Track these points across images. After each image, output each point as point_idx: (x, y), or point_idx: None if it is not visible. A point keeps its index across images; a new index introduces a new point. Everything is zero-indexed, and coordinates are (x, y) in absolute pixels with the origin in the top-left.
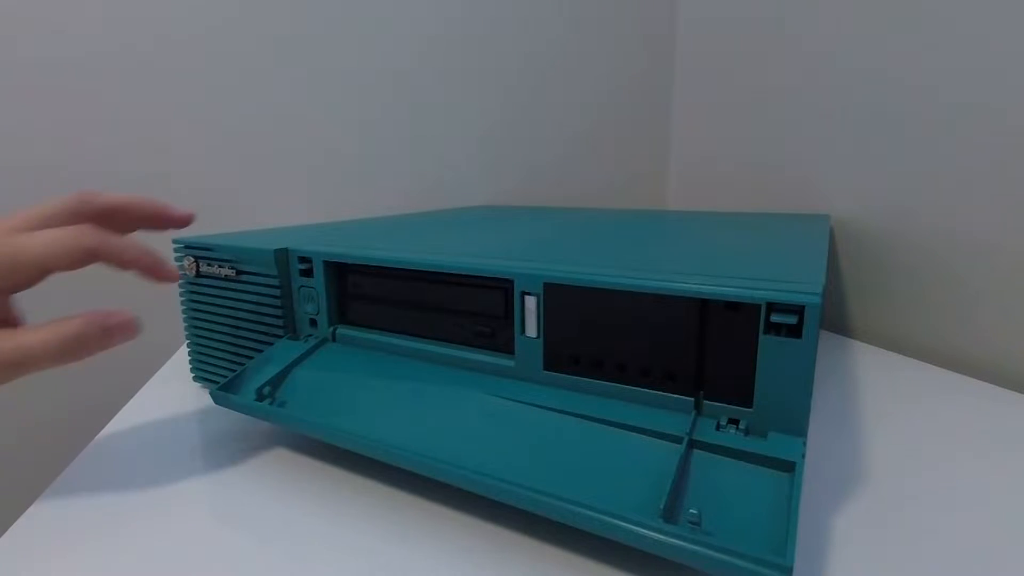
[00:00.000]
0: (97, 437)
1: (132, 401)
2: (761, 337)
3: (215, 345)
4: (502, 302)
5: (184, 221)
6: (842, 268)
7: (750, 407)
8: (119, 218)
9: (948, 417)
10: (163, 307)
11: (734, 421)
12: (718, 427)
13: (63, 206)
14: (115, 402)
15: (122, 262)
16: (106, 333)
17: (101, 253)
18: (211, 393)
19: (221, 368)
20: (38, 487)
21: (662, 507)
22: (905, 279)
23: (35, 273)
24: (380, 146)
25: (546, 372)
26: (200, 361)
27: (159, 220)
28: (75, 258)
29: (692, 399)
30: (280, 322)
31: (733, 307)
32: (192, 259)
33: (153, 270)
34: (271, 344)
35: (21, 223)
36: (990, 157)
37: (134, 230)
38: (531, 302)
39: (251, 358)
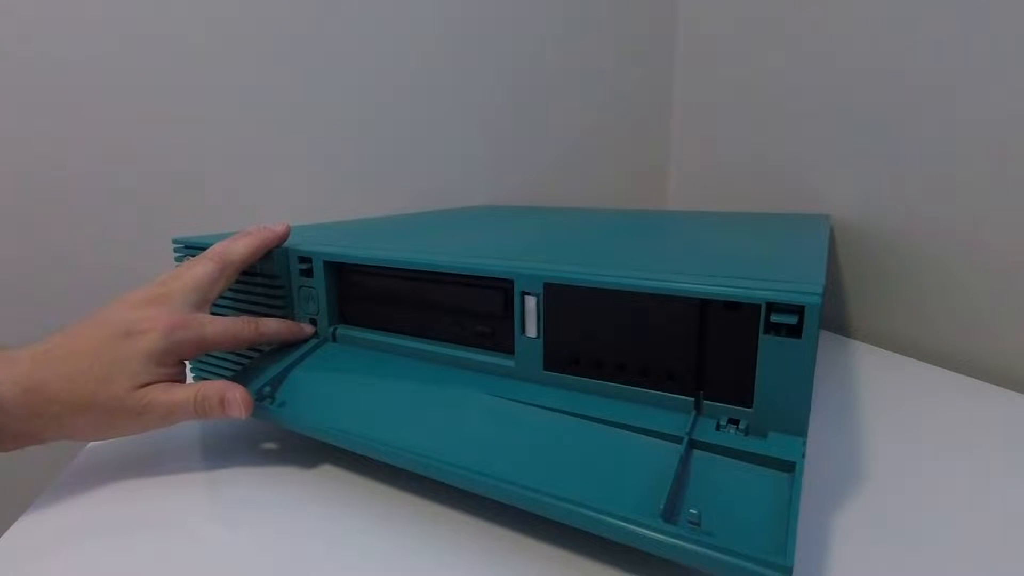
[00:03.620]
0: None
1: None
2: (761, 337)
3: None
4: (502, 302)
5: (287, 236)
6: (842, 268)
7: (750, 407)
8: (252, 261)
9: (948, 417)
10: None
11: (734, 421)
12: (718, 427)
13: (214, 274)
14: None
15: (274, 342)
16: (220, 402)
17: (257, 342)
18: None
19: (221, 368)
20: (37, 488)
21: (662, 507)
22: (905, 279)
23: (209, 351)
24: (381, 146)
25: (546, 372)
26: (200, 361)
27: (273, 247)
28: (242, 347)
29: (692, 399)
30: None
31: (733, 307)
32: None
33: (297, 337)
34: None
35: (195, 299)
36: (990, 157)
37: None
38: (531, 302)
39: (251, 358)
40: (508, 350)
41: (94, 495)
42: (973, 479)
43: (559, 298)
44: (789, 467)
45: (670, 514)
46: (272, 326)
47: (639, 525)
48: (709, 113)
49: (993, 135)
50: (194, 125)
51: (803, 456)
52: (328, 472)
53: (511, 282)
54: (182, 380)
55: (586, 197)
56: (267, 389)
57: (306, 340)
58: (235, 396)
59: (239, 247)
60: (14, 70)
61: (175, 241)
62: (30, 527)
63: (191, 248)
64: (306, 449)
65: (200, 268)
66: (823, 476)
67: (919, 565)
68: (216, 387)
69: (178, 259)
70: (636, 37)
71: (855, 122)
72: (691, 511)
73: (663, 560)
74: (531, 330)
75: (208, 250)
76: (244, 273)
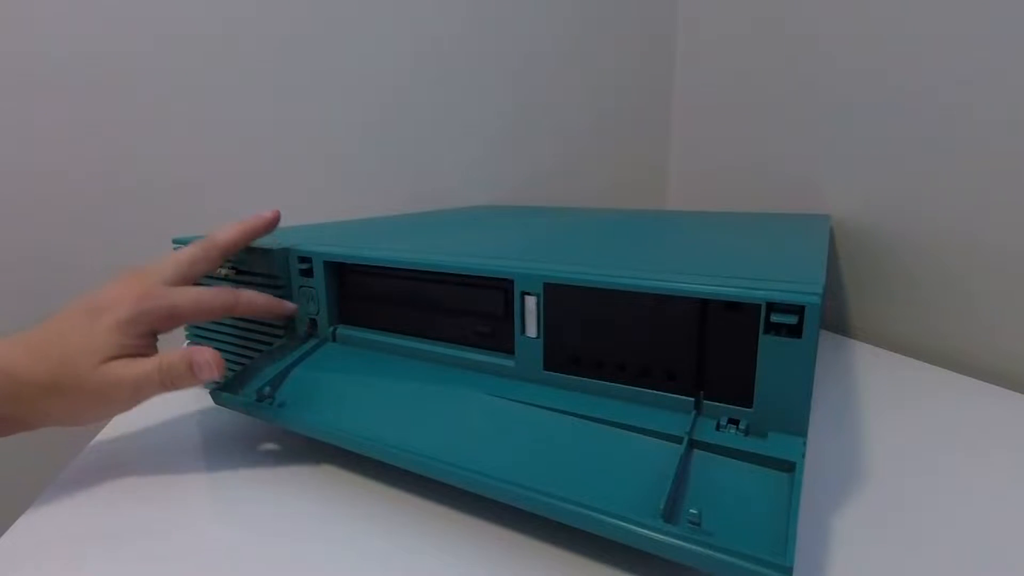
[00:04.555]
0: (97, 436)
1: None
2: (761, 337)
3: (215, 345)
4: (502, 302)
5: (276, 222)
6: (842, 268)
7: (750, 407)
8: (239, 245)
9: (948, 417)
10: None
11: (734, 421)
12: (718, 427)
13: (195, 255)
14: None
15: (251, 312)
16: (188, 367)
17: (235, 310)
18: (211, 393)
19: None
20: (37, 487)
21: (662, 507)
22: (905, 279)
23: (182, 323)
24: (381, 146)
25: (546, 372)
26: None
27: (262, 233)
28: (216, 314)
29: (692, 399)
30: (280, 322)
31: (733, 307)
32: None
33: (276, 312)
34: (271, 344)
35: (171, 275)
36: (990, 157)
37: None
38: (531, 302)
39: (251, 358)
40: (508, 350)
41: (94, 495)
42: (973, 479)
43: (559, 298)
44: (789, 467)
45: (670, 514)
46: (251, 296)
47: (639, 525)
48: (709, 113)
49: (994, 135)
50: (194, 125)
51: (803, 456)
52: (328, 472)
53: (511, 282)
54: (152, 354)
55: (586, 197)
56: (267, 389)
57: (287, 318)
58: (204, 358)
59: (225, 230)
60: (15, 70)
61: (175, 241)
62: (30, 527)
63: None
64: (306, 449)
65: (183, 250)
66: (823, 476)
67: (919, 565)
68: (180, 353)
69: None
70: (636, 37)
71: (855, 122)
72: (691, 511)
73: (663, 560)
74: (531, 330)
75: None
76: (244, 273)
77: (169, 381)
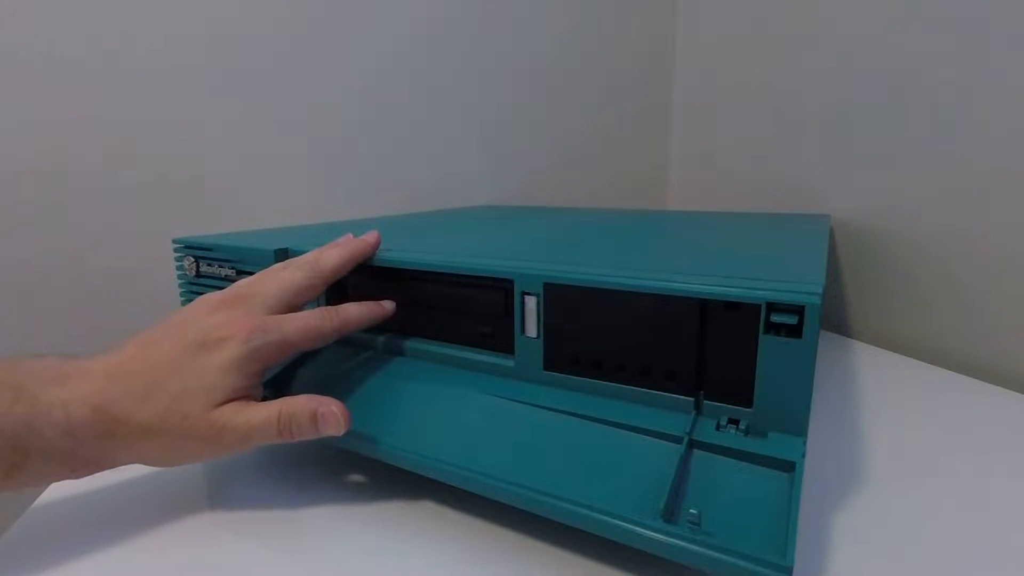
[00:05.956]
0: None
1: None
2: (761, 337)
3: None
4: (502, 302)
5: (378, 245)
6: (842, 268)
7: (750, 407)
8: (342, 273)
9: (948, 417)
10: (162, 307)
11: (734, 421)
12: (718, 427)
13: (302, 285)
14: None
15: (357, 328)
16: (312, 419)
17: (342, 331)
18: None
19: None
20: (35, 490)
21: (662, 507)
22: (905, 279)
23: (290, 355)
24: (381, 146)
25: (546, 372)
26: None
27: (365, 257)
28: (326, 341)
29: (692, 399)
30: None
31: (733, 307)
32: (192, 259)
33: (377, 318)
34: None
35: (275, 304)
36: (990, 157)
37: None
38: (531, 302)
39: None
40: (508, 350)
41: (94, 494)
42: (973, 479)
43: (559, 298)
44: (789, 467)
45: (670, 514)
46: (354, 311)
47: (639, 525)
48: (709, 113)
49: (994, 134)
50: (194, 125)
51: (803, 456)
52: (325, 471)
53: (511, 282)
54: (258, 394)
55: (586, 197)
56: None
57: (388, 319)
58: (331, 410)
59: (331, 258)
60: (14, 70)
61: (175, 241)
62: (31, 526)
63: (191, 248)
64: (303, 448)
65: (287, 274)
66: (823, 476)
67: (919, 565)
68: (303, 402)
69: (178, 259)
70: (636, 37)
71: (855, 122)
72: (691, 511)
73: (663, 560)
74: (531, 330)
75: (298, 258)
76: (242, 272)
77: (288, 432)
